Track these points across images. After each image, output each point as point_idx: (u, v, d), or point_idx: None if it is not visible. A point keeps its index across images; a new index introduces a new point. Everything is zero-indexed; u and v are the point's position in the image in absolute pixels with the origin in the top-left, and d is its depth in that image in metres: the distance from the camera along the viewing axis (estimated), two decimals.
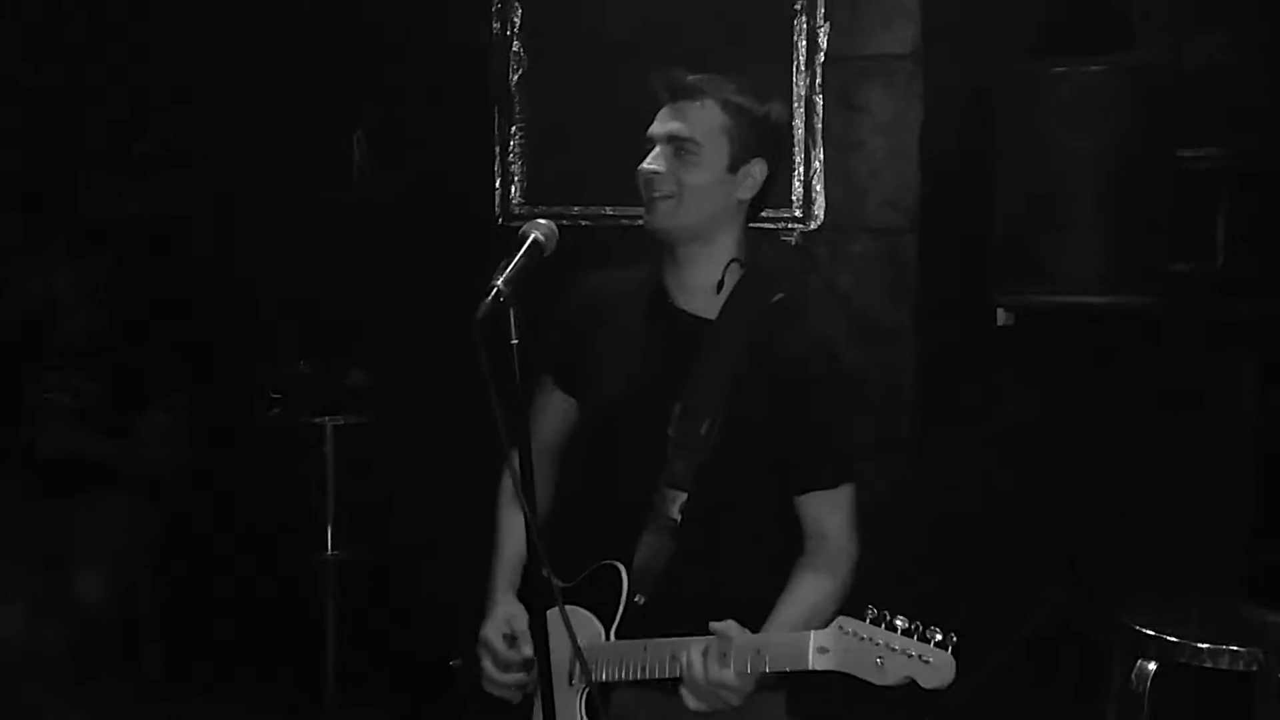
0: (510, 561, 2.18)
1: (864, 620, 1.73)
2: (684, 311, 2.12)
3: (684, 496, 2.03)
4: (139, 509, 3.60)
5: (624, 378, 2.10)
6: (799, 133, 3.23)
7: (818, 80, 3.23)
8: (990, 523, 3.49)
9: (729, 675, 1.83)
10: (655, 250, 2.15)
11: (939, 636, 1.67)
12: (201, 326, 3.98)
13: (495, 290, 1.75)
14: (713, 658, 1.85)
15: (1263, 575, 3.38)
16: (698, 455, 2.03)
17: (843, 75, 3.24)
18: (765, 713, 2.07)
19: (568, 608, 1.93)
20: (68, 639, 3.30)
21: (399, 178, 3.82)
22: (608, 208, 3.43)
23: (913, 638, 1.68)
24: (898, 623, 1.70)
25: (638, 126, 2.11)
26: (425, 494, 3.70)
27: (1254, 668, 2.63)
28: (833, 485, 2.08)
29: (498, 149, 3.63)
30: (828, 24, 3.21)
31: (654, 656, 1.93)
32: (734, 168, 2.07)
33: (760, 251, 2.18)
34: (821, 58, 3.23)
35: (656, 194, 2.05)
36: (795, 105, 3.22)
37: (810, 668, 1.78)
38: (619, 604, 2.01)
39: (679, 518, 2.03)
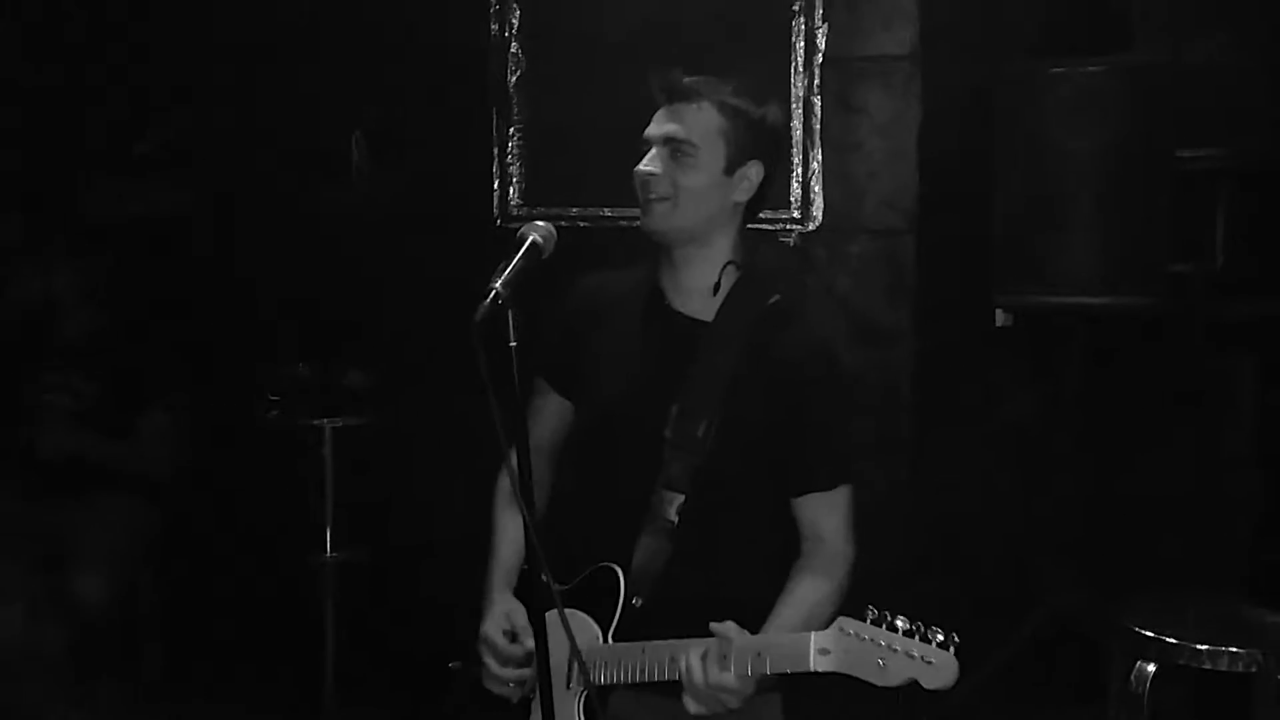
0: (507, 562, 2.18)
1: (865, 621, 1.72)
2: (680, 313, 2.12)
3: (681, 498, 2.03)
4: (139, 509, 3.60)
5: (621, 380, 2.10)
6: (797, 134, 3.23)
7: (816, 81, 3.23)
8: (989, 523, 3.49)
9: (729, 678, 1.83)
10: (653, 252, 2.15)
11: (940, 637, 1.67)
12: (201, 327, 3.99)
13: (493, 292, 1.76)
14: (713, 660, 1.84)
15: (1262, 575, 3.37)
16: (695, 457, 2.03)
17: (841, 76, 3.24)
18: (764, 714, 2.07)
19: (565, 610, 1.92)
20: (68, 639, 3.30)
21: (398, 178, 3.82)
22: (606, 209, 3.43)
23: (914, 638, 1.68)
24: (899, 623, 1.70)
25: (636, 128, 2.11)
26: (424, 495, 3.70)
27: (1253, 669, 2.63)
28: (829, 487, 2.08)
29: (496, 150, 3.63)
30: (826, 25, 3.21)
31: (652, 659, 1.93)
32: (730, 170, 2.06)
33: (757, 253, 2.17)
34: (820, 59, 3.23)
35: (652, 196, 2.05)
36: (793, 106, 3.22)
37: (812, 669, 1.77)
38: (617, 606, 2.01)
39: (676, 519, 2.03)
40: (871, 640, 1.71)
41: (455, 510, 2.87)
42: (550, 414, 2.23)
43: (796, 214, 3.26)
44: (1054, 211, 3.18)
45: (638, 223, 2.12)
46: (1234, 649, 2.64)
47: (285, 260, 3.88)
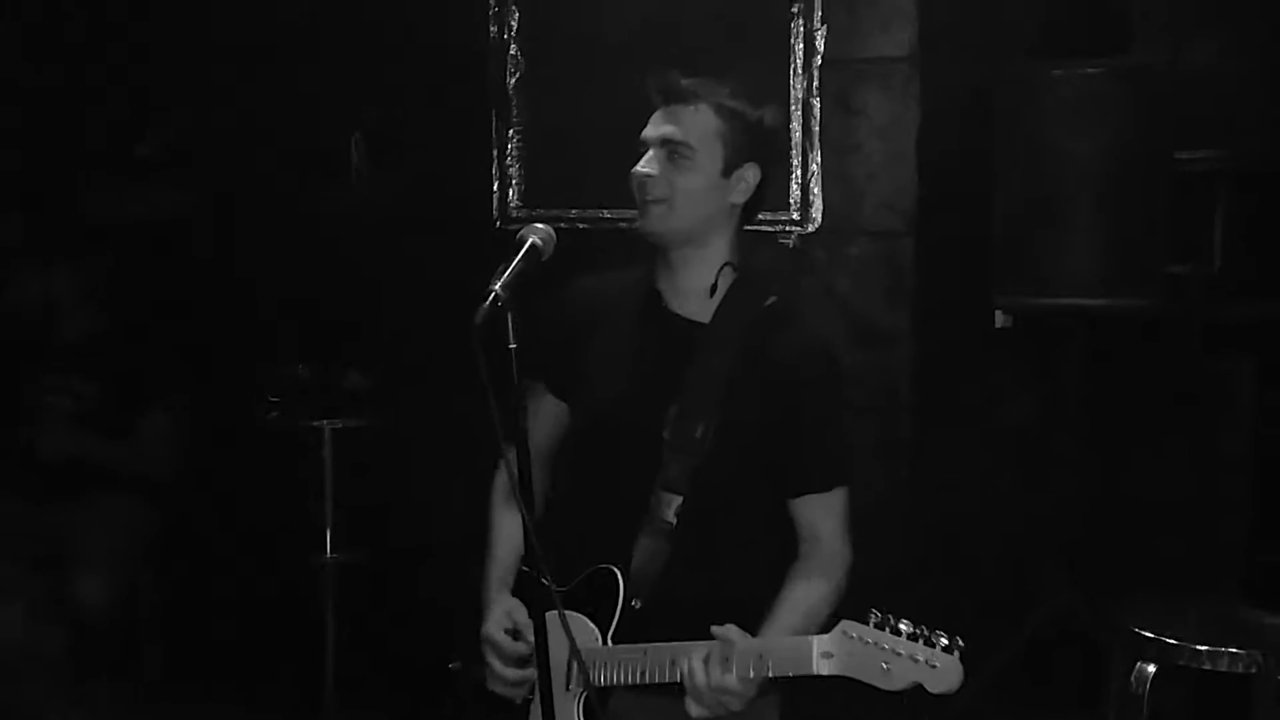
0: (504, 563, 2.18)
1: (868, 624, 1.72)
2: (677, 315, 2.12)
3: (680, 500, 2.03)
4: (139, 510, 3.60)
5: (618, 381, 2.10)
6: (796, 136, 3.23)
7: (815, 83, 3.23)
8: (989, 524, 3.49)
9: (732, 680, 1.83)
10: (650, 254, 2.15)
11: (944, 640, 1.66)
12: (201, 328, 3.98)
13: (493, 295, 1.76)
14: (715, 663, 1.84)
15: (1260, 577, 3.38)
16: (693, 458, 2.03)
17: (840, 78, 3.24)
18: (764, 716, 2.07)
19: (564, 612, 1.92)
20: (68, 639, 3.30)
21: (398, 179, 3.82)
22: (606, 211, 3.43)
23: (918, 642, 1.67)
24: (902, 627, 1.69)
25: (636, 130, 2.11)
26: (424, 496, 3.70)
27: (1253, 670, 2.63)
28: (826, 489, 2.08)
29: (496, 152, 3.63)
30: (825, 26, 3.22)
31: (653, 661, 1.93)
32: (727, 172, 2.07)
33: (754, 255, 2.18)
34: (819, 60, 3.23)
35: (649, 198, 2.05)
36: (792, 108, 3.22)
37: (815, 672, 1.77)
38: (615, 608, 2.01)
39: (675, 521, 2.03)
40: (875, 644, 1.70)
41: (455, 512, 2.87)
42: (545, 416, 2.23)
43: (796, 216, 3.26)
44: (1053, 213, 3.18)
45: (637, 225, 2.12)
46: (1234, 650, 2.64)
47: (285, 261, 3.88)
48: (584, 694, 2.00)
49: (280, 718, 3.70)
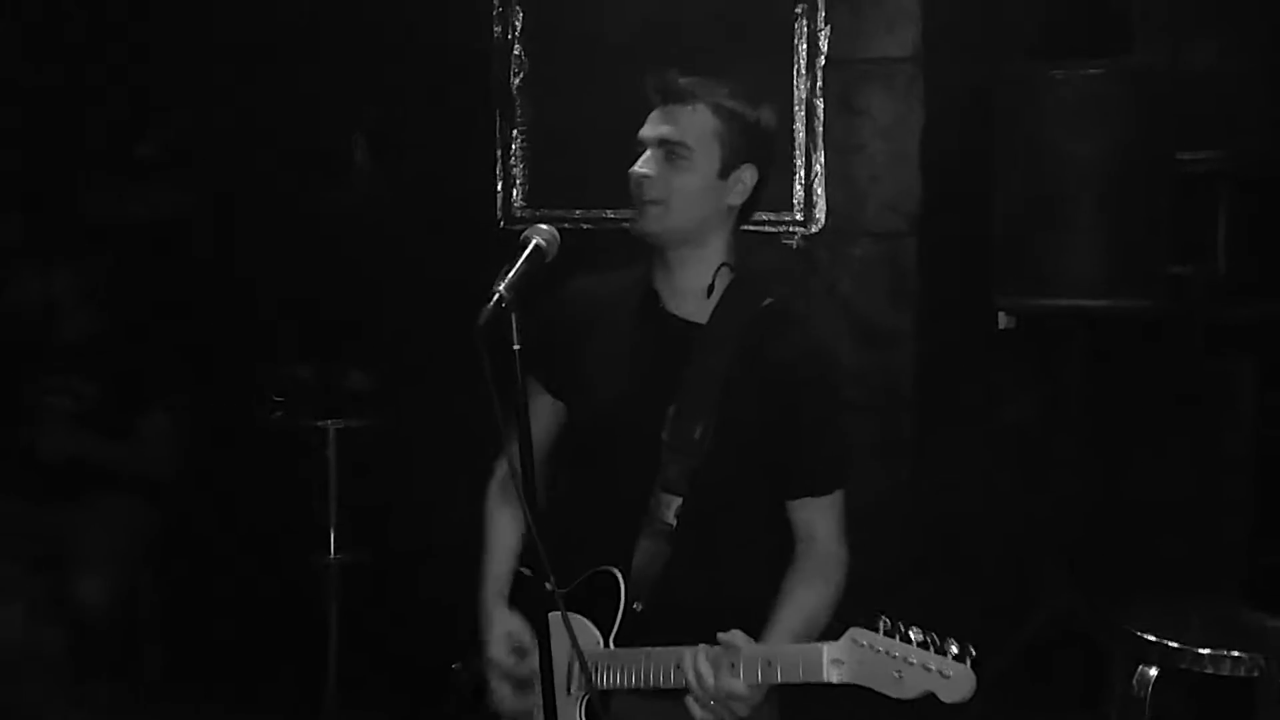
0: (499, 570, 2.17)
1: (878, 632, 1.69)
2: (674, 316, 2.11)
3: (679, 501, 2.02)
4: (139, 511, 3.59)
5: (616, 382, 2.09)
6: (800, 136, 3.23)
7: (818, 83, 3.23)
8: (990, 524, 3.49)
9: (739, 685, 1.82)
10: (648, 254, 2.14)
11: (955, 649, 1.63)
12: (202, 328, 3.98)
13: (497, 296, 1.75)
14: (722, 668, 1.83)
15: (1261, 578, 3.37)
16: (692, 459, 2.02)
17: (843, 78, 3.24)
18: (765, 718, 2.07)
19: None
20: (68, 640, 3.29)
21: (399, 179, 3.82)
22: (609, 211, 3.42)
23: (930, 650, 1.64)
24: (912, 634, 1.66)
25: (638, 130, 2.10)
26: (425, 497, 3.69)
27: (1255, 673, 2.62)
28: (824, 491, 2.07)
29: (499, 152, 3.63)
30: (828, 27, 3.21)
31: (656, 664, 1.92)
32: (725, 173, 2.05)
33: (751, 255, 2.17)
34: (822, 60, 3.23)
35: (646, 198, 2.04)
36: (796, 109, 3.22)
37: (825, 680, 1.75)
38: (617, 610, 2.00)
39: (674, 522, 2.02)
40: (886, 652, 1.67)
41: (457, 512, 2.86)
42: (541, 416, 2.19)
43: (799, 216, 3.26)
44: (1055, 214, 3.18)
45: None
46: (1236, 653, 2.63)
47: (285, 261, 3.88)
48: (586, 696, 1.99)
49: (281, 718, 3.69)
